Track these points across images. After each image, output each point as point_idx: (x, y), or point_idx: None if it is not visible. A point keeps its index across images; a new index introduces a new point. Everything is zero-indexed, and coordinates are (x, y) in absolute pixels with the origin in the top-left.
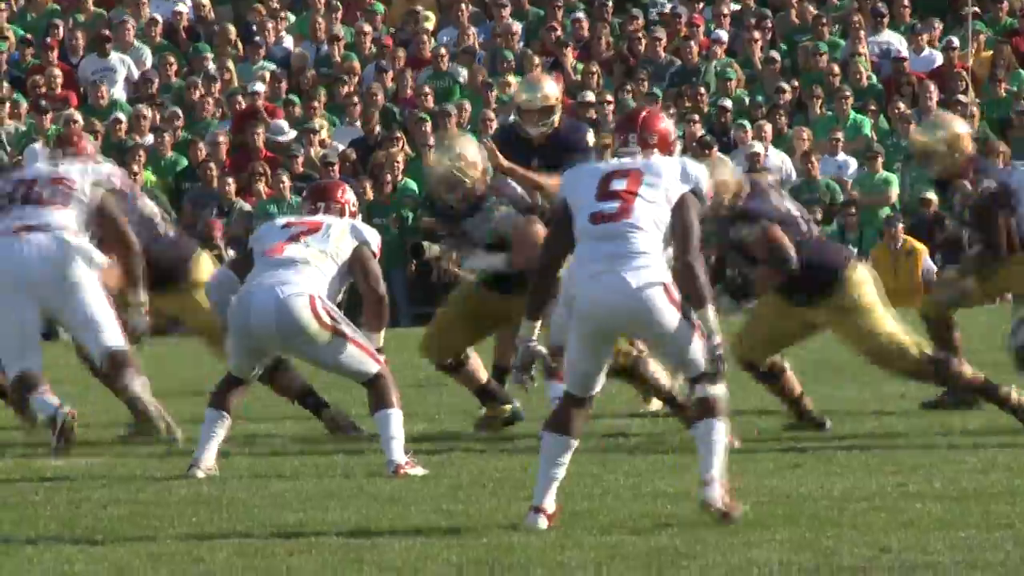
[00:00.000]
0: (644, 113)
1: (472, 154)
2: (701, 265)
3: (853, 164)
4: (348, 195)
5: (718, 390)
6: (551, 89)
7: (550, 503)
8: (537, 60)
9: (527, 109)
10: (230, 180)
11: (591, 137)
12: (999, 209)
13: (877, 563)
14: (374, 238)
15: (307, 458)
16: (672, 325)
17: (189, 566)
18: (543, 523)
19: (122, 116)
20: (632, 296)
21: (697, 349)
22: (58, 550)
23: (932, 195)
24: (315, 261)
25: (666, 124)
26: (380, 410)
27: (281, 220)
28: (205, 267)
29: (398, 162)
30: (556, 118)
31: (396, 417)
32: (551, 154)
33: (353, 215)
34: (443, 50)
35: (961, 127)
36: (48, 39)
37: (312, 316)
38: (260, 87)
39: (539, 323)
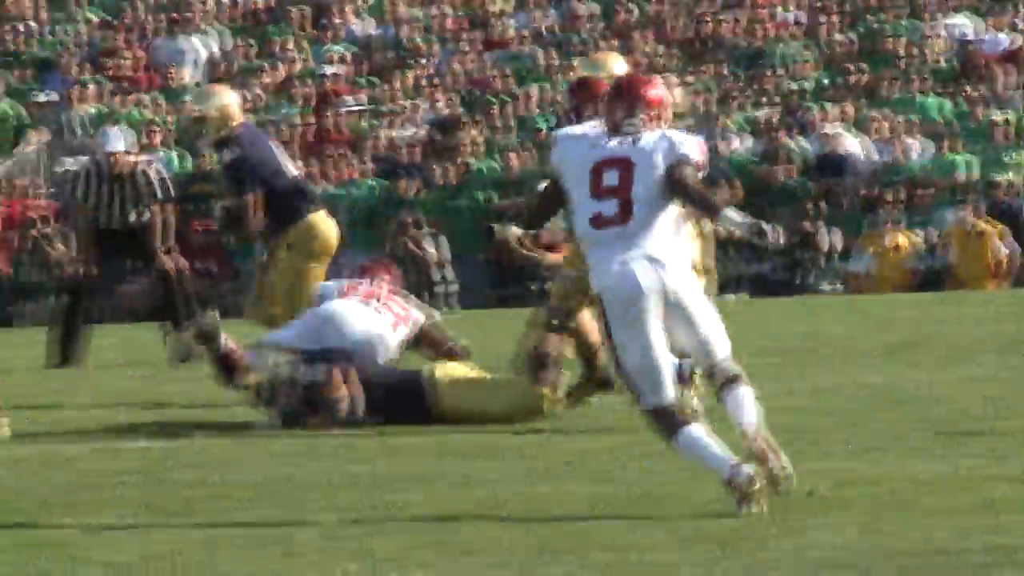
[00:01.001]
0: (645, 83)
1: None
2: (721, 199)
3: (925, 146)
4: None
5: (737, 367)
6: (618, 67)
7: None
8: (609, 43)
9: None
10: (307, 163)
11: None
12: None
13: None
14: None
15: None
16: (701, 298)
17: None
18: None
19: None
20: (666, 268)
21: (720, 333)
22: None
23: (1005, 177)
24: None
25: (660, 90)
26: None
27: None
28: None
29: (467, 144)
30: None
31: None
32: None
33: None
34: (512, 32)
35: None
36: (123, 21)
37: None
38: (334, 69)
39: None
